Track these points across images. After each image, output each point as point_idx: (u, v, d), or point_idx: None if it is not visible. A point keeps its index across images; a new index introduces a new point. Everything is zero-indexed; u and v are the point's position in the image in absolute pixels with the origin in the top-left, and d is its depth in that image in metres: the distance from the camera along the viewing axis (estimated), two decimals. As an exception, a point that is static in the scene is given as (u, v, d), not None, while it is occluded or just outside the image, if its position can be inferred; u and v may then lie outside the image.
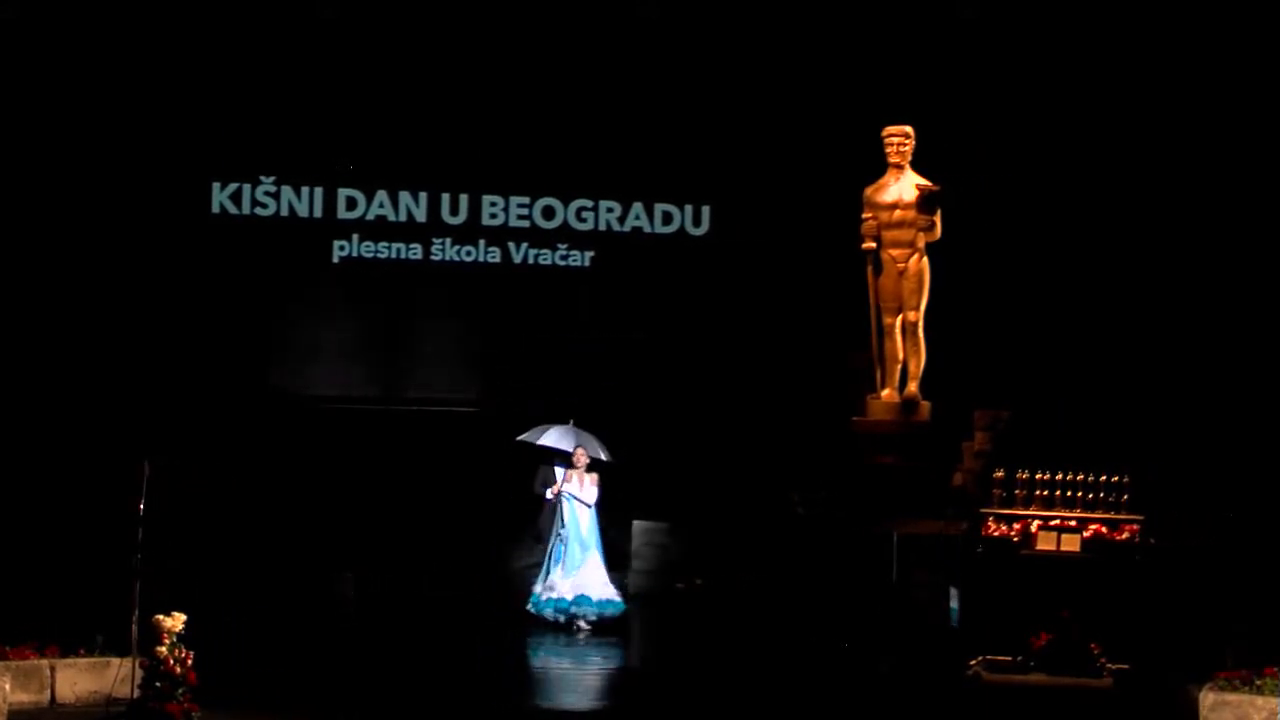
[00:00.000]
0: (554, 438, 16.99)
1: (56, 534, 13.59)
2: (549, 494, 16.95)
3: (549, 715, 12.26)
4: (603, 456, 16.81)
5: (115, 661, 11.26)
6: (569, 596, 16.09)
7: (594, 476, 16.55)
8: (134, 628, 10.79)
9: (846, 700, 12.64)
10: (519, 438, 17.12)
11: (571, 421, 17.22)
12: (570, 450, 16.78)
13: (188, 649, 10.59)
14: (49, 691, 11.30)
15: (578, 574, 16.18)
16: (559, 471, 16.91)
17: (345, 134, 19.12)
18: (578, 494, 16.48)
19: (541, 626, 15.97)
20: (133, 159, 17.93)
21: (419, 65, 18.86)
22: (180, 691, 10.47)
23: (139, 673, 10.63)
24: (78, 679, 11.35)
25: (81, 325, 16.97)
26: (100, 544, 12.34)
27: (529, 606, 16.27)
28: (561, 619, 16.02)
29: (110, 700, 11.03)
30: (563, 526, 16.39)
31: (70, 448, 15.20)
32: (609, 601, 16.21)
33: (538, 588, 16.31)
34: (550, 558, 16.38)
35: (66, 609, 11.77)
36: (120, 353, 17.09)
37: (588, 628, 15.97)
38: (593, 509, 16.48)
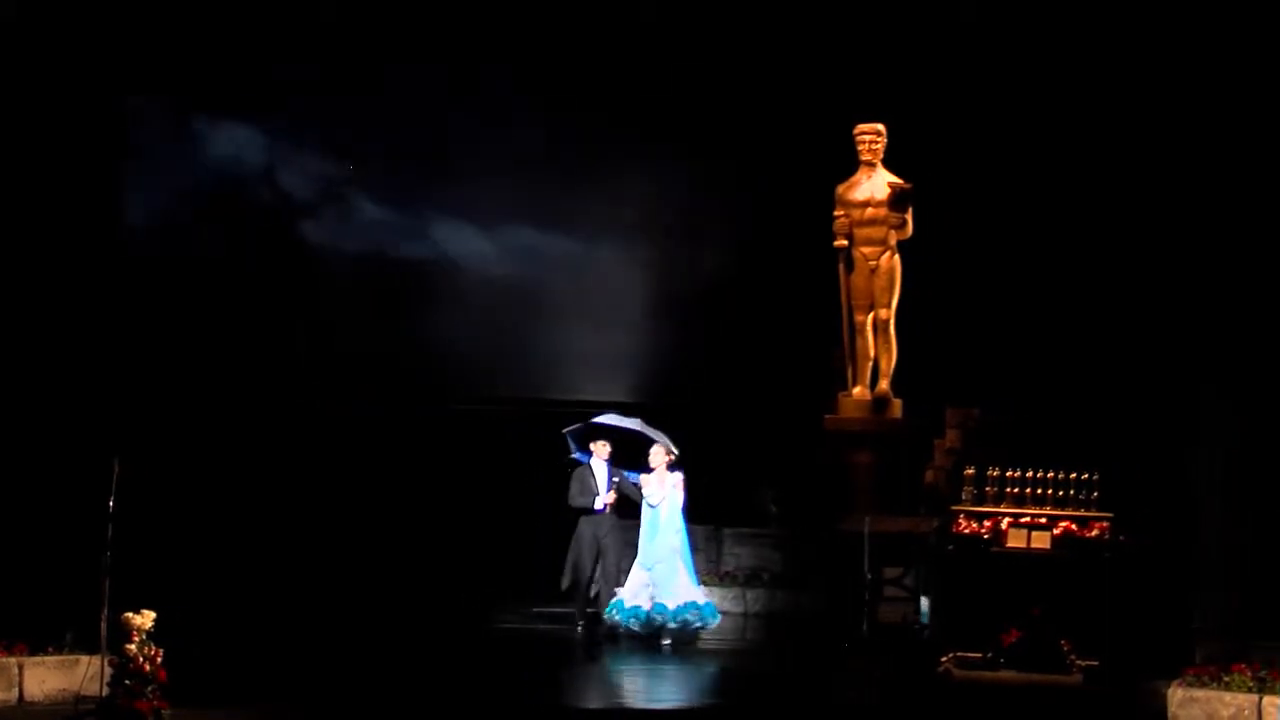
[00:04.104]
0: (628, 423, 15.24)
1: (25, 531, 13.52)
2: (599, 504, 15.13)
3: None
4: (673, 449, 15.14)
5: (84, 659, 11.21)
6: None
7: (677, 478, 14.96)
8: (103, 625, 10.73)
9: (818, 698, 12.66)
10: (599, 419, 15.41)
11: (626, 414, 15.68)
12: (653, 437, 15.04)
13: (157, 646, 10.54)
14: (17, 689, 11.24)
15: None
16: (599, 471, 15.23)
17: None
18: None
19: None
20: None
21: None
22: (150, 689, 10.43)
23: (108, 670, 10.58)
24: (46, 677, 11.30)
25: (52, 321, 16.86)
26: (70, 541, 12.26)
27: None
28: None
29: (79, 698, 10.98)
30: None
31: (40, 445, 15.11)
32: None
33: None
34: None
35: (35, 606, 11.71)
36: (92, 348, 16.99)
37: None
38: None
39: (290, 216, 19.67)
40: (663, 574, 14.67)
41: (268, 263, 19.22)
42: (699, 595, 14.85)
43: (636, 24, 18.62)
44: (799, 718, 12.02)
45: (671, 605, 14.58)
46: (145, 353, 17.75)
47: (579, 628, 15.20)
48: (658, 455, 14.90)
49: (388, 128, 19.40)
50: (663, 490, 14.82)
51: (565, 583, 15.23)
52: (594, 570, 15.15)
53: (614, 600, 14.77)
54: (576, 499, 15.17)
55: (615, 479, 15.18)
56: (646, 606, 14.60)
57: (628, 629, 14.65)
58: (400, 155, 19.61)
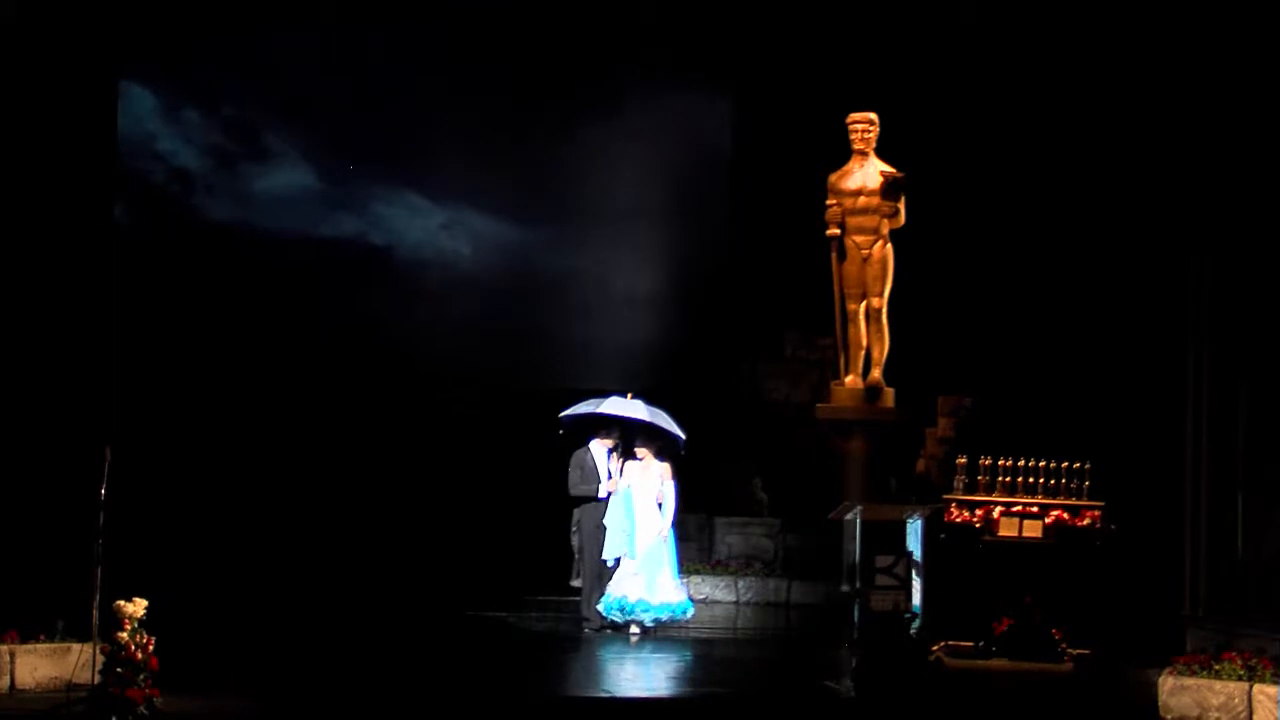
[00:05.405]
0: (617, 407, 14.64)
1: (16, 519, 13.51)
2: (602, 491, 14.54)
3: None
4: (677, 431, 14.74)
5: (76, 647, 11.21)
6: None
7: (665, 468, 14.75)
8: (95, 613, 10.74)
9: (809, 689, 12.68)
10: (592, 408, 14.73)
11: (630, 394, 14.93)
12: (642, 419, 14.47)
13: (149, 634, 10.54)
14: (9, 678, 11.23)
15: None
16: (598, 456, 14.67)
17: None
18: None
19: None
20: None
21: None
22: (142, 677, 10.42)
23: (100, 658, 10.57)
24: (38, 665, 11.29)
25: (42, 307, 16.85)
26: (61, 529, 12.26)
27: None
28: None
29: (71, 686, 10.96)
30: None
31: (31, 432, 15.10)
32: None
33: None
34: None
35: (26, 594, 11.70)
36: (83, 335, 16.96)
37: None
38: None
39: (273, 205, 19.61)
40: (647, 564, 14.54)
41: (261, 251, 19.18)
42: (679, 595, 14.73)
43: (633, 10, 18.61)
44: (789, 706, 12.03)
45: (654, 602, 14.52)
46: (136, 339, 17.72)
47: (584, 625, 14.81)
48: (644, 448, 14.72)
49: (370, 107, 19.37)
50: (638, 479, 14.57)
51: (576, 580, 14.83)
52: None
53: (603, 597, 14.67)
54: (578, 486, 14.62)
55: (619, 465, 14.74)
56: (631, 598, 14.50)
57: (612, 620, 14.60)
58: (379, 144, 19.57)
